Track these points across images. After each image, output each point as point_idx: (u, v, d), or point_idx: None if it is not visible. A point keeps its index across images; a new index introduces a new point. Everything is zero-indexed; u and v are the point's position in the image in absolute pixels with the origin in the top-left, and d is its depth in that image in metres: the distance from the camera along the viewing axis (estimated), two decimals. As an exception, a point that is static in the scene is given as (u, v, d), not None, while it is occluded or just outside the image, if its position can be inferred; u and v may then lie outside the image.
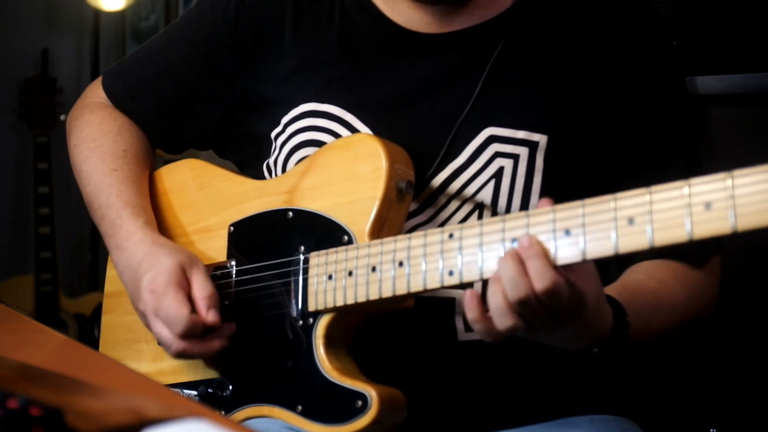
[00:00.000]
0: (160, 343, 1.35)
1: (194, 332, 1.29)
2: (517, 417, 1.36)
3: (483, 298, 1.10)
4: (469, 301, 1.10)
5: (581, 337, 1.16)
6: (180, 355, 1.31)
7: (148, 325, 1.34)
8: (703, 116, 2.06)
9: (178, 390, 1.38)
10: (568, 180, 1.35)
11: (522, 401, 1.36)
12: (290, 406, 1.26)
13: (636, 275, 1.33)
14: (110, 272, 1.54)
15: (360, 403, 1.20)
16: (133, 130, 1.55)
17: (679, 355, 2.01)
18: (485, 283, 1.12)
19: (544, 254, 1.05)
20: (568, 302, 1.07)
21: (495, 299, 1.08)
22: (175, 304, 1.28)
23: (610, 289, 1.23)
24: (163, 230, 1.46)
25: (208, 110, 1.51)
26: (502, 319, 1.09)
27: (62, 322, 3.88)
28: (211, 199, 1.44)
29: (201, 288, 1.30)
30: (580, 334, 1.15)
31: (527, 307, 1.06)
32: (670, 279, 1.33)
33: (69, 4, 4.25)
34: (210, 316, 1.29)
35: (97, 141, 1.52)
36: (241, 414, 1.32)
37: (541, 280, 1.05)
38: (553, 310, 1.07)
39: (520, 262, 1.06)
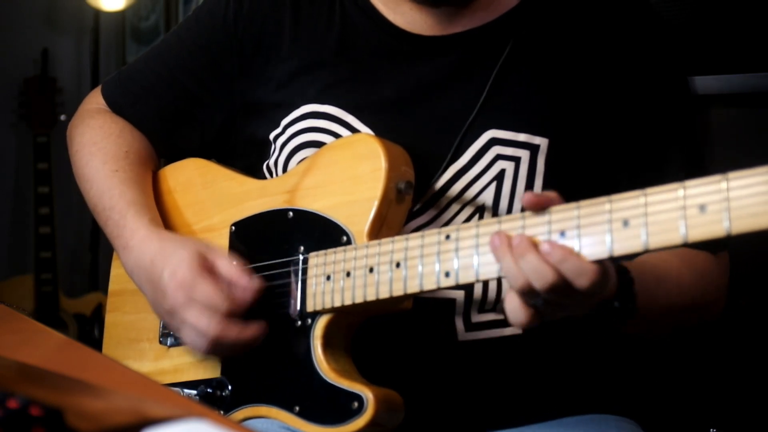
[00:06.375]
0: (189, 340, 1.30)
1: (237, 311, 1.26)
2: (518, 417, 1.36)
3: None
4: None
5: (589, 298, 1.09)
6: (216, 342, 1.26)
7: (179, 321, 1.29)
8: (702, 116, 2.07)
9: (178, 389, 1.38)
10: (569, 183, 1.34)
11: (522, 401, 1.36)
12: (288, 407, 1.26)
13: (639, 257, 1.28)
14: (115, 271, 1.53)
15: (356, 404, 1.19)
16: (134, 131, 1.55)
17: (679, 354, 2.01)
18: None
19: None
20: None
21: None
22: (212, 287, 1.26)
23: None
24: (168, 229, 1.45)
25: (209, 116, 1.51)
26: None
27: (62, 322, 3.88)
28: (214, 198, 1.44)
29: (230, 265, 1.29)
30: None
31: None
32: (675, 260, 1.30)
33: (69, 4, 4.25)
34: (255, 282, 1.27)
35: (98, 144, 1.51)
36: (239, 414, 1.32)
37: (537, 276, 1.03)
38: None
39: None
